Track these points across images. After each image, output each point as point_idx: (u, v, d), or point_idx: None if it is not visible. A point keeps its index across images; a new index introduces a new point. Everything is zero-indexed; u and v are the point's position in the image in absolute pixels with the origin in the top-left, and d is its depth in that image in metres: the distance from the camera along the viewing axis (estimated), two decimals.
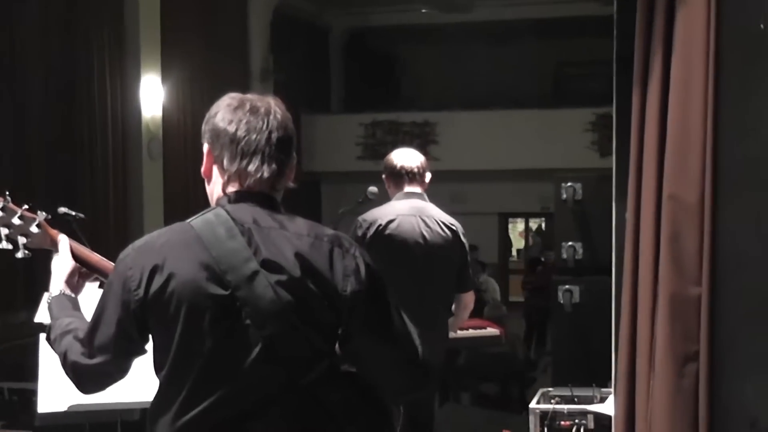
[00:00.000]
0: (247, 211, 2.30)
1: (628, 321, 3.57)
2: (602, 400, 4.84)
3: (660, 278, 3.43)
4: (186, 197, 11.42)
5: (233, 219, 2.27)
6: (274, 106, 2.37)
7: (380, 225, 4.72)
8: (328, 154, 15.96)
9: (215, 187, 2.39)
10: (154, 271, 2.23)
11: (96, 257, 2.73)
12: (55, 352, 2.45)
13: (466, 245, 4.92)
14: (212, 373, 2.22)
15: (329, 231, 2.37)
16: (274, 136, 2.33)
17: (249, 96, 2.40)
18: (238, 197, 2.32)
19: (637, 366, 3.54)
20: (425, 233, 4.76)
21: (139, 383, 2.83)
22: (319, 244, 2.30)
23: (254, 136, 2.31)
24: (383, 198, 5.01)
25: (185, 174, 11.58)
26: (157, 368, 2.29)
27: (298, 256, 2.25)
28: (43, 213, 2.74)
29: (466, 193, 16.42)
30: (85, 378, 2.38)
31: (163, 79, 11.18)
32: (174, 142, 11.57)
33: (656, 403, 3.41)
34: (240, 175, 2.32)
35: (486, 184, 16.93)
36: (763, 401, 3.13)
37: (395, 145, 5.18)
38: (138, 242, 2.33)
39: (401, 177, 4.88)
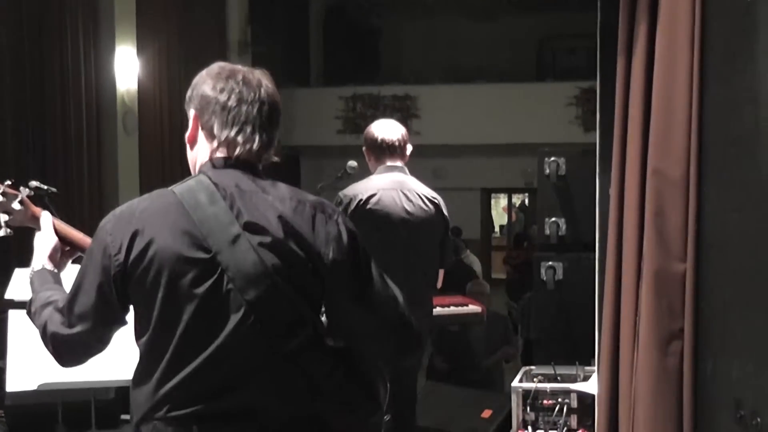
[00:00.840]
0: (230, 177, 2.33)
1: (611, 298, 3.57)
2: (586, 378, 4.85)
3: (644, 254, 3.42)
4: (162, 172, 11.37)
5: (215, 184, 2.30)
6: (264, 79, 2.43)
7: (361, 200, 4.71)
8: (308, 128, 15.93)
9: (199, 154, 2.43)
10: (134, 236, 2.25)
11: (79, 235, 2.74)
12: (35, 325, 2.46)
13: (448, 219, 4.90)
14: (193, 339, 2.24)
15: (312, 197, 2.42)
16: (265, 108, 2.38)
17: (239, 66, 2.45)
18: (223, 164, 2.36)
19: (621, 344, 3.54)
20: (407, 207, 4.76)
21: (113, 361, 2.86)
22: (301, 209, 2.34)
23: (245, 107, 2.36)
24: (363, 172, 4.99)
25: (162, 148, 11.53)
26: (138, 336, 2.31)
27: (281, 219, 2.29)
28: (26, 189, 2.76)
29: (447, 169, 16.47)
30: (64, 348, 2.39)
31: (139, 51, 11.09)
32: (150, 115, 11.49)
33: (640, 382, 3.41)
34: (229, 143, 2.36)
35: (468, 159, 17.01)
36: (748, 380, 3.11)
37: (376, 119, 5.16)
38: (118, 209, 2.35)
39: (382, 150, 4.86)
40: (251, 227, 2.26)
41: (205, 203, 2.27)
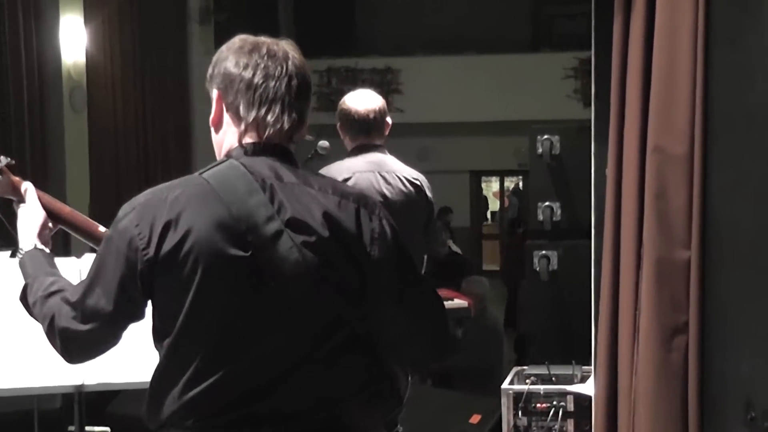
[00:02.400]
0: (266, 165, 2.34)
1: (608, 289, 3.59)
2: (583, 379, 4.86)
3: (644, 241, 3.44)
4: (116, 153, 11.33)
5: (250, 173, 2.31)
6: (291, 51, 2.42)
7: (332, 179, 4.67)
8: None
9: (226, 137, 2.43)
10: (167, 228, 2.24)
11: (67, 208, 2.75)
12: (35, 316, 2.46)
13: (432, 201, 4.90)
14: (226, 342, 2.26)
15: (352, 189, 2.46)
16: (294, 83, 2.38)
17: (262, 38, 2.44)
18: (256, 149, 2.36)
19: (619, 340, 3.57)
20: (386, 191, 4.72)
21: (58, 364, 2.73)
22: (345, 204, 2.36)
23: (273, 83, 2.36)
24: (339, 154, 4.97)
25: (114, 128, 11.48)
26: (160, 336, 2.32)
27: (326, 215, 2.31)
28: (7, 158, 2.75)
29: (433, 149, 16.49)
30: (75, 345, 2.38)
31: (86, 20, 11.02)
32: (100, 91, 11.43)
33: (640, 381, 3.44)
34: (258, 124, 2.36)
35: (456, 139, 17.04)
36: (759, 378, 3.16)
37: None
38: (142, 197, 2.33)
39: (358, 126, 4.82)
40: (295, 224, 2.27)
41: (243, 193, 2.27)
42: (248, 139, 2.38)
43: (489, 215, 23.11)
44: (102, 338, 2.38)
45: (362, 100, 4.86)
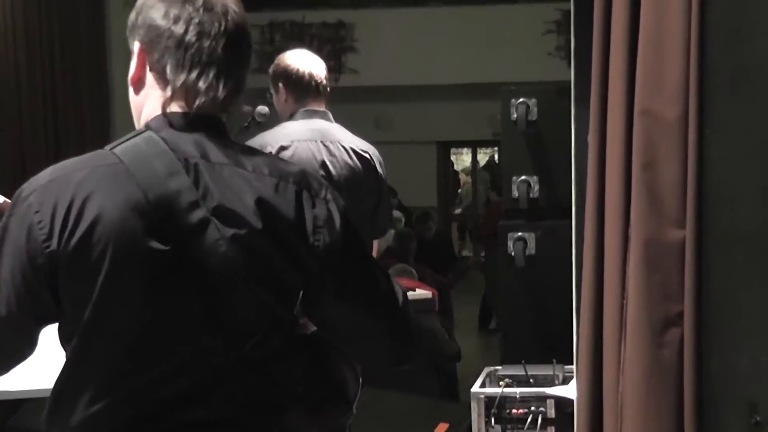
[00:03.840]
0: (191, 141, 2.31)
1: (591, 275, 3.58)
2: (566, 380, 4.89)
3: (632, 219, 3.44)
4: (17, 113, 11.23)
5: (172, 150, 2.27)
6: (231, 3, 2.39)
7: (269, 153, 4.59)
8: None
9: (148, 101, 2.39)
10: (69, 214, 2.20)
11: None
12: None
13: (384, 177, 4.92)
14: (141, 347, 2.24)
15: (293, 167, 2.42)
16: (233, 43, 2.35)
17: None
18: (183, 122, 2.33)
19: (605, 334, 3.56)
20: (329, 164, 4.76)
21: None
22: (284, 187, 2.34)
23: (208, 43, 2.32)
24: (276, 121, 4.96)
25: (14, 85, 11.38)
26: (66, 338, 2.29)
27: (261, 202, 2.29)
28: None
29: (393, 117, 16.48)
30: None
31: None
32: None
33: (628, 382, 3.44)
34: (188, 91, 2.32)
35: (420, 105, 17.02)
36: (764, 376, 3.20)
37: None
38: (44, 176, 2.28)
39: (305, 87, 4.85)
40: (223, 213, 2.25)
41: (163, 175, 2.24)
42: (175, 108, 2.34)
43: (460, 193, 23.12)
44: (12, 346, 2.35)
45: (308, 60, 4.89)
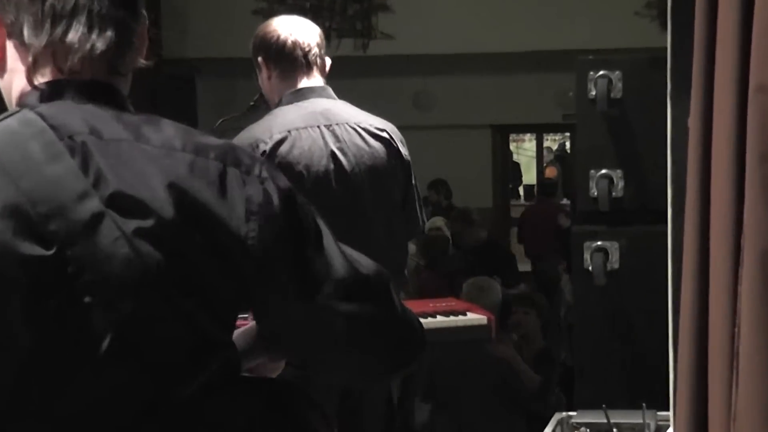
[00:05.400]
0: (76, 113, 2.11)
1: (691, 295, 3.23)
2: (659, 430, 4.55)
3: (746, 226, 3.08)
4: None
5: (53, 127, 2.06)
6: None
7: (264, 151, 4.27)
8: (209, 32, 15.04)
9: (15, 79, 2.22)
10: None
11: None
12: None
13: (409, 161, 4.57)
14: (25, 388, 2.04)
15: (215, 141, 2.23)
16: None
17: None
18: (57, 90, 2.14)
19: (710, 372, 3.22)
20: (337, 152, 4.36)
21: None
22: (203, 164, 2.13)
23: None
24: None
25: None
26: None
27: (172, 186, 2.07)
28: None
29: (437, 94, 16.01)
30: None
31: None
32: None
33: (742, 421, 3.07)
34: (55, 51, 2.14)
35: (471, 79, 16.10)
36: None
37: (312, 21, 4.65)
38: None
39: (290, 59, 4.40)
40: (122, 202, 2.03)
41: (39, 160, 2.03)
42: (43, 77, 2.13)
43: (522, 190, 22.86)
44: None
45: (292, 24, 4.55)
